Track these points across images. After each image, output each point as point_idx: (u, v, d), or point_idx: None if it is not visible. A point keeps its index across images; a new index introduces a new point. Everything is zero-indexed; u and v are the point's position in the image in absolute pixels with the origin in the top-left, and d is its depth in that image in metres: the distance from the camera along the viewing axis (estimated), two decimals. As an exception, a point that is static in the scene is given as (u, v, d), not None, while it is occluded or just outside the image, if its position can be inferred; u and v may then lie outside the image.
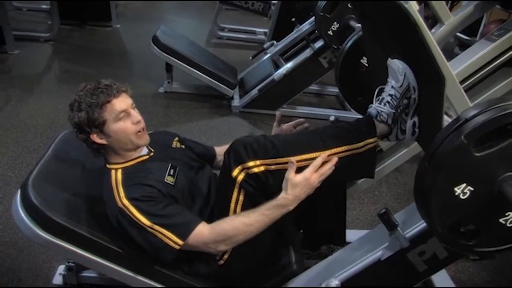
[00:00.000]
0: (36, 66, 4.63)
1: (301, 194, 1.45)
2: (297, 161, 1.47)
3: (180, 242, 1.47)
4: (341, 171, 1.51)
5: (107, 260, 1.60)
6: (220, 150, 1.93)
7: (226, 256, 1.59)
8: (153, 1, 7.64)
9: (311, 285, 1.55)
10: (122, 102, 1.56)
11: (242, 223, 1.47)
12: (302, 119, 1.93)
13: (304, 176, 1.43)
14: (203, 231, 1.49)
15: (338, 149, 1.50)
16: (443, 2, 1.45)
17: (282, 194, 1.45)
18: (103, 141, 1.57)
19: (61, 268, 2.02)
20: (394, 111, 1.50)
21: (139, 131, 1.59)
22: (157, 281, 1.63)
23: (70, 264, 1.93)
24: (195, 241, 1.48)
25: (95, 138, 1.56)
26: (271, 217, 1.48)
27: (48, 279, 2.04)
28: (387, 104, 1.51)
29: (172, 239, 1.46)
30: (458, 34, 6.38)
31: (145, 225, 1.46)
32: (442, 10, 1.48)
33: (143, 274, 1.63)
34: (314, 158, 1.47)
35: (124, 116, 1.56)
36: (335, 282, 1.49)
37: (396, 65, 1.46)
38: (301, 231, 1.97)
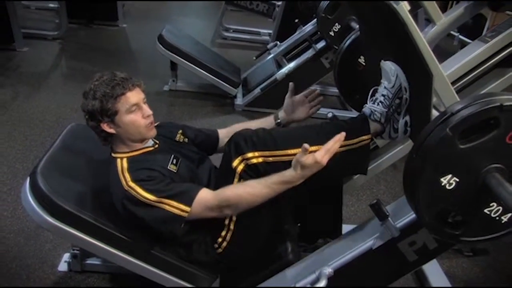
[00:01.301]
0: (44, 63, 4.71)
1: (308, 174, 1.51)
2: (294, 154, 1.54)
3: (187, 208, 1.53)
4: (335, 166, 1.57)
5: (110, 246, 1.67)
6: (223, 132, 1.99)
7: (224, 244, 1.66)
8: (159, 1, 7.70)
9: (306, 273, 1.60)
10: (135, 95, 1.63)
11: (246, 192, 1.54)
12: (314, 88, 1.99)
13: (315, 159, 1.47)
14: (206, 196, 1.55)
15: None
16: (435, 3, 1.51)
17: (290, 172, 1.51)
18: (112, 130, 1.64)
19: (66, 256, 2.11)
20: (386, 110, 1.57)
21: (148, 125, 1.66)
22: (158, 268, 1.70)
23: (75, 251, 2.01)
24: (200, 206, 1.54)
25: (105, 127, 1.63)
26: (276, 191, 1.53)
27: (54, 266, 2.12)
28: (380, 104, 1.59)
29: (179, 207, 1.53)
30: (462, 37, 6.45)
31: (151, 200, 1.53)
32: (433, 11, 1.55)
33: (145, 261, 1.69)
34: (309, 152, 1.54)
35: (136, 109, 1.63)
36: (328, 270, 1.53)
37: (388, 66, 1.54)
38: (299, 224, 2.04)
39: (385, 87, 1.56)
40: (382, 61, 1.55)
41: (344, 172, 1.85)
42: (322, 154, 1.48)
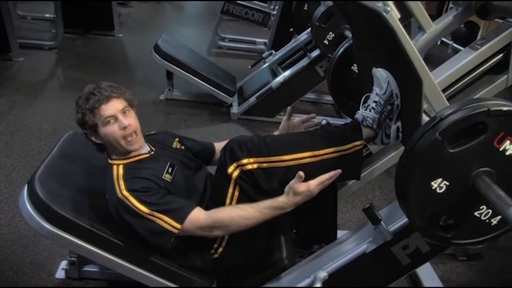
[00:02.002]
0: (40, 73, 4.73)
1: (300, 201, 1.56)
2: (288, 160, 1.57)
3: (178, 225, 1.55)
4: (329, 171, 1.60)
5: (107, 252, 1.68)
6: (220, 146, 2.00)
7: (220, 250, 1.68)
8: (155, 11, 7.74)
9: (301, 277, 1.62)
10: (110, 107, 1.64)
11: (238, 215, 1.56)
12: (313, 114, 2.04)
13: (308, 187, 1.53)
14: (199, 216, 1.57)
15: (326, 150, 1.60)
16: (424, 11, 1.55)
17: (283, 198, 1.55)
18: (99, 141, 1.68)
19: (63, 263, 2.12)
20: (378, 116, 1.60)
21: (127, 136, 1.67)
22: (154, 273, 1.71)
23: (72, 258, 2.02)
24: (192, 225, 1.56)
25: (92, 138, 1.68)
26: (267, 216, 1.57)
27: (51, 273, 2.12)
28: (372, 110, 1.62)
29: (170, 223, 1.55)
30: (456, 45, 6.52)
31: (144, 212, 1.55)
32: (423, 19, 1.58)
33: (142, 266, 1.70)
34: (303, 158, 1.57)
35: (111, 121, 1.64)
36: (323, 274, 1.56)
37: (380, 73, 1.57)
38: (294, 230, 2.06)
39: (376, 94, 1.59)
40: (374, 68, 1.59)
41: (337, 178, 1.87)
42: (316, 184, 1.54)
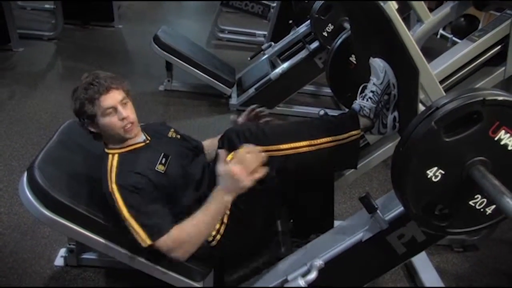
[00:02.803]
0: (40, 63, 4.73)
1: (230, 187, 1.49)
2: (286, 149, 1.58)
3: (148, 242, 1.52)
4: (326, 161, 1.61)
5: (105, 239, 1.71)
6: (207, 144, 2.01)
7: (218, 237, 1.68)
8: (155, 3, 7.72)
9: (297, 265, 1.64)
10: (110, 98, 1.64)
11: (190, 225, 1.53)
12: (252, 107, 2.07)
13: (226, 168, 1.48)
14: (166, 240, 1.52)
15: (323, 139, 1.62)
16: (422, 2, 1.56)
17: (216, 188, 1.52)
18: (96, 130, 1.68)
19: (62, 251, 2.14)
20: (375, 105, 1.62)
21: (126, 126, 1.67)
22: (151, 261, 1.73)
23: (71, 246, 2.04)
24: (162, 245, 1.53)
25: (89, 127, 1.68)
26: (214, 212, 1.53)
27: (50, 260, 2.14)
28: (369, 99, 1.63)
29: (141, 236, 1.53)
30: (455, 38, 6.51)
31: (123, 214, 1.54)
32: (421, 10, 1.59)
33: (139, 253, 1.72)
34: (300, 147, 1.59)
35: (112, 112, 1.64)
36: (319, 262, 1.57)
37: (377, 63, 1.58)
38: (291, 220, 2.07)
39: (374, 84, 1.60)
40: (371, 58, 1.60)
41: (334, 167, 1.88)
42: (234, 162, 1.48)
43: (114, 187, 1.57)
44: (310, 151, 1.60)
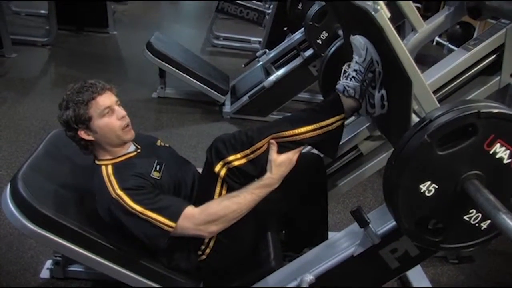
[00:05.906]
0: (33, 69, 4.70)
1: (284, 172, 1.57)
2: (267, 143, 1.57)
3: (172, 224, 1.51)
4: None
5: (90, 252, 1.66)
6: None
7: (208, 251, 1.65)
8: (150, 8, 7.71)
9: (287, 280, 1.60)
10: (107, 98, 1.63)
11: (231, 201, 1.55)
12: None
13: (287, 156, 1.57)
14: (193, 212, 1.55)
15: (306, 128, 1.59)
16: (416, 11, 1.53)
17: (268, 175, 1.56)
18: (90, 137, 1.64)
19: (48, 263, 2.09)
20: (359, 84, 1.58)
21: (124, 127, 1.66)
22: (139, 274, 1.69)
23: (57, 258, 1.99)
24: (187, 221, 1.53)
25: (83, 134, 1.63)
26: (259, 196, 1.56)
27: (36, 273, 2.09)
28: (352, 79, 1.60)
29: (164, 222, 1.52)
30: (451, 46, 6.52)
31: (138, 211, 1.51)
32: (415, 19, 1.56)
33: (126, 267, 1.68)
34: (285, 136, 1.57)
35: (109, 112, 1.63)
36: (309, 277, 1.54)
37: (358, 41, 1.55)
38: (283, 232, 2.04)
39: (356, 62, 1.57)
40: (352, 36, 1.56)
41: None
42: (295, 151, 1.59)
43: (119, 193, 1.54)
44: (294, 140, 1.58)
